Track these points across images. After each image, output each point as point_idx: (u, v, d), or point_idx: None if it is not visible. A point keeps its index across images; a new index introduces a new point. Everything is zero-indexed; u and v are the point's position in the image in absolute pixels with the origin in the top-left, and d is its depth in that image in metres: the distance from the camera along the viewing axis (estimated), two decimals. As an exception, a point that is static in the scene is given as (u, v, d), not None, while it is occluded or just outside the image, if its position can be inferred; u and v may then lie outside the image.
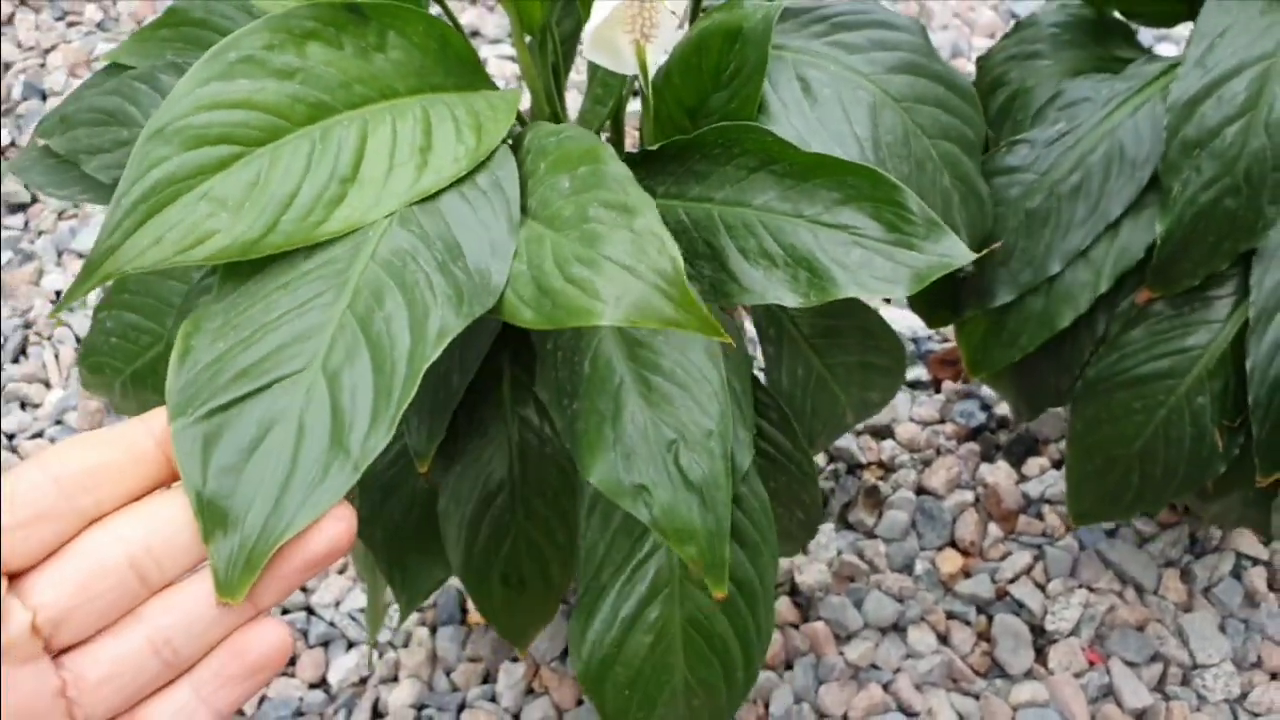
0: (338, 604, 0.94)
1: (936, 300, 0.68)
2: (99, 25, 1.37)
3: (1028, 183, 0.63)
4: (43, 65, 1.34)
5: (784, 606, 0.92)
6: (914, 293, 0.51)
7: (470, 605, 0.93)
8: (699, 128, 0.60)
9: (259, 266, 0.46)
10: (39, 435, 1.04)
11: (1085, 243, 0.62)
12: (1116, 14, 0.71)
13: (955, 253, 0.50)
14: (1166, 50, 1.23)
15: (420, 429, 0.61)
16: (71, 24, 1.37)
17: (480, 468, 0.61)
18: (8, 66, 1.34)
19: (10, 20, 1.38)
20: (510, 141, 0.57)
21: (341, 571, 0.96)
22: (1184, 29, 0.65)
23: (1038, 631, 0.90)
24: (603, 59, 0.54)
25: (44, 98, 1.30)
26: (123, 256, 0.44)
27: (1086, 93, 0.64)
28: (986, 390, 1.03)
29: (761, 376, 0.70)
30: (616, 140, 0.70)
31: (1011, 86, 0.70)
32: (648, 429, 0.52)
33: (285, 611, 0.94)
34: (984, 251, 0.54)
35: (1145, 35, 1.20)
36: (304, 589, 0.95)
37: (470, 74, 0.57)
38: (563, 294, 0.44)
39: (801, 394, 0.68)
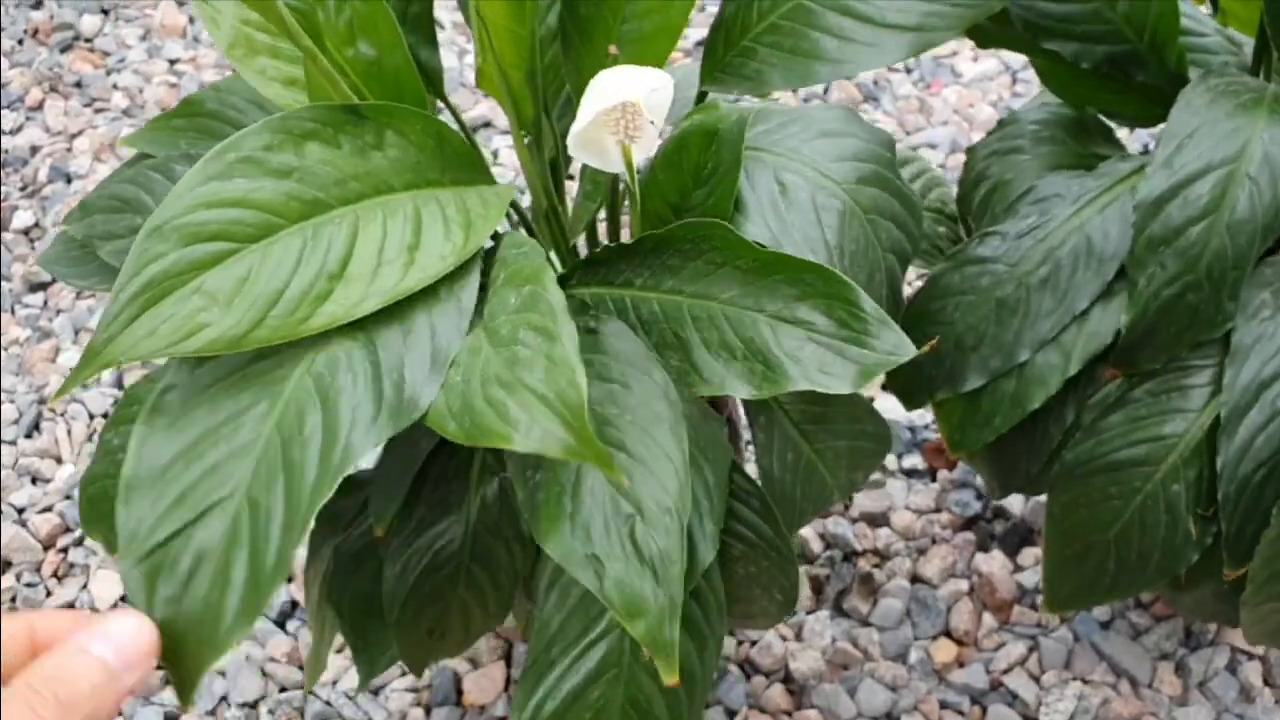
0: (335, 682, 0.95)
1: (911, 385, 0.70)
2: (125, 112, 1.42)
3: (999, 273, 0.65)
4: (69, 150, 1.38)
5: (777, 693, 0.92)
6: (860, 387, 0.53)
7: (466, 687, 0.94)
8: (681, 220, 0.62)
9: (215, 358, 0.49)
10: (48, 509, 1.06)
11: (1053, 332, 0.64)
12: (1096, 113, 0.74)
13: (902, 350, 0.52)
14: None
15: (381, 495, 0.63)
16: (99, 110, 1.42)
17: (434, 536, 0.63)
18: (35, 150, 1.39)
19: (40, 106, 1.43)
20: (494, 242, 0.60)
21: (339, 651, 0.96)
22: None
23: (1031, 723, 0.89)
24: (589, 159, 0.56)
25: (69, 180, 1.35)
26: (120, 347, 0.46)
27: (1058, 189, 0.66)
28: (982, 480, 1.04)
29: (752, 464, 0.72)
30: (612, 233, 0.73)
31: (992, 180, 0.72)
32: (606, 502, 0.53)
33: (283, 689, 0.95)
34: (925, 349, 0.56)
35: (1135, 131, 1.23)
36: (301, 666, 0.96)
37: (467, 169, 0.59)
38: (481, 415, 0.47)
39: (791, 478, 0.69)
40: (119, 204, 0.68)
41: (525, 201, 0.72)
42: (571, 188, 0.75)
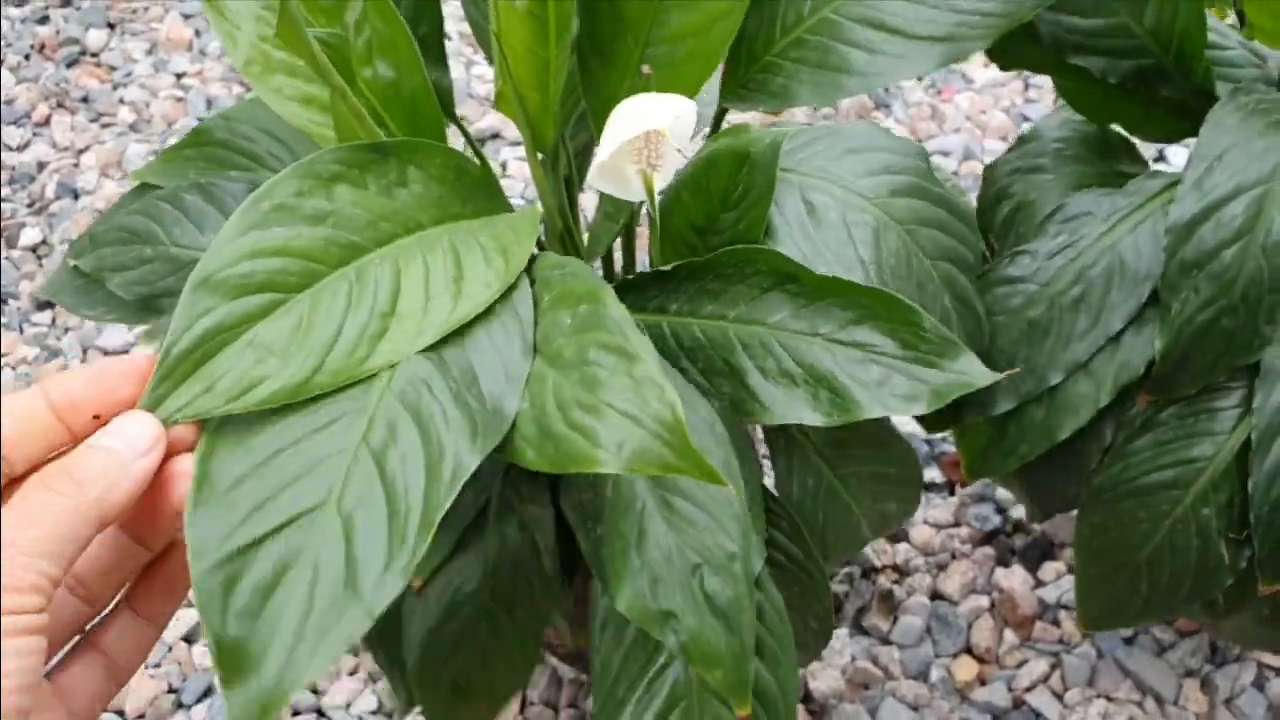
0: (349, 705, 0.94)
1: (938, 409, 0.69)
2: (132, 126, 1.41)
3: (1029, 293, 0.64)
4: (76, 165, 1.38)
5: (798, 715, 0.91)
6: (934, 410, 0.52)
7: (481, 708, 0.93)
8: (708, 245, 0.61)
9: None
10: (58, 532, 1.06)
11: (1087, 355, 0.63)
12: (1118, 129, 0.73)
13: (974, 371, 0.51)
14: (1177, 155, 1.25)
15: (431, 543, 0.62)
16: (105, 125, 1.42)
17: (452, 577, 0.62)
18: (43, 166, 1.38)
19: (47, 122, 1.42)
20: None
21: (352, 673, 0.96)
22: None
23: (1055, 741, 0.88)
24: (610, 188, 0.55)
25: (76, 197, 1.34)
26: (173, 404, 0.44)
27: (1088, 207, 0.65)
28: (1001, 493, 1.02)
29: (772, 488, 0.71)
30: (628, 255, 0.72)
31: (1015, 199, 0.71)
32: (672, 553, 0.52)
33: (296, 713, 0.94)
34: (1005, 375, 0.55)
35: (1152, 145, 1.22)
36: (315, 690, 0.95)
37: (488, 199, 0.58)
38: (566, 439, 0.45)
39: (813, 504, 0.68)
40: (128, 235, 0.67)
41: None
42: (584, 205, 0.74)
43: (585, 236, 0.72)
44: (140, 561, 0.44)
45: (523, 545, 0.61)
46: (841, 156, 0.61)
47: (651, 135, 0.52)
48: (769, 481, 0.70)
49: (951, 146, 1.28)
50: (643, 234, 1.06)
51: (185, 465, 0.42)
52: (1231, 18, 0.72)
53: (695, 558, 0.52)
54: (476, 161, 0.60)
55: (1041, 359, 0.64)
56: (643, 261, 0.76)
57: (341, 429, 0.45)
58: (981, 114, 1.32)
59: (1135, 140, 0.74)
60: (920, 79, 1.36)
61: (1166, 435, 0.67)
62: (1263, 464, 0.63)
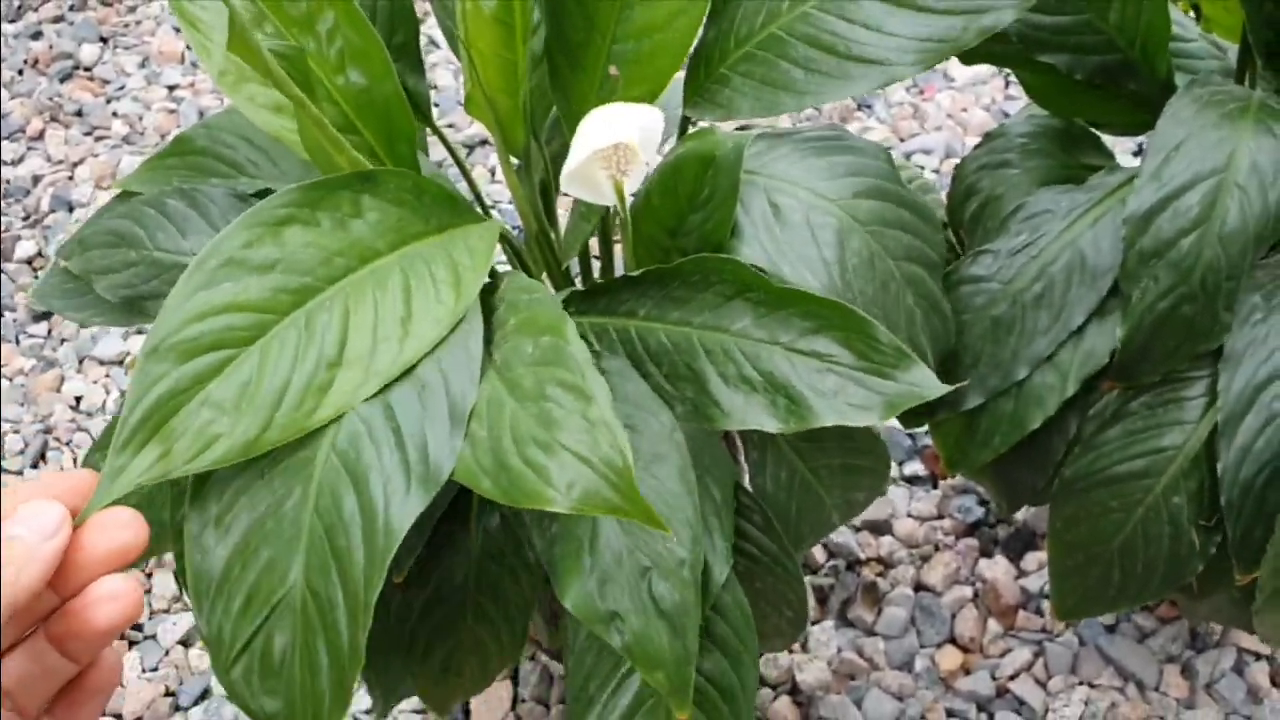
0: (342, 705, 0.95)
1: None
2: (125, 139, 1.43)
3: (993, 291, 0.65)
4: (70, 178, 1.39)
5: (784, 706, 0.92)
6: (886, 419, 0.53)
7: (473, 706, 0.94)
8: (678, 246, 0.63)
9: None
10: (55, 539, 1.07)
11: (1050, 349, 0.64)
12: (1083, 123, 0.74)
13: (925, 383, 0.53)
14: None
15: (401, 545, 0.64)
16: (99, 138, 1.43)
17: (440, 571, 0.63)
18: (37, 180, 1.39)
19: (41, 136, 1.44)
20: (491, 280, 0.60)
21: (347, 672, 0.97)
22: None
23: (1039, 729, 0.90)
24: (581, 193, 0.57)
25: (71, 209, 1.36)
26: (134, 471, 0.47)
27: (1049, 205, 0.66)
28: (990, 498, 1.04)
29: (746, 480, 0.72)
30: (605, 256, 0.73)
31: (983, 194, 0.72)
32: (623, 556, 0.54)
33: (290, 713, 0.95)
34: (953, 388, 0.56)
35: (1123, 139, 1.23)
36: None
37: (450, 213, 0.59)
38: (520, 475, 0.47)
39: (786, 497, 0.70)
40: (115, 239, 0.68)
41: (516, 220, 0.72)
42: (561, 208, 0.76)
43: (562, 237, 0.74)
44: (66, 676, 0.45)
45: (506, 539, 0.62)
46: (806, 160, 0.62)
47: (621, 147, 0.53)
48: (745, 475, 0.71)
49: (933, 145, 1.29)
50: (620, 235, 1.08)
51: (111, 586, 0.43)
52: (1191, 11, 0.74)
53: (646, 561, 0.54)
54: (440, 176, 0.61)
55: (1006, 355, 0.66)
56: (621, 263, 0.78)
57: (296, 502, 0.49)
58: (963, 112, 1.33)
59: (1100, 134, 0.75)
60: (902, 78, 1.38)
61: (1136, 425, 0.68)
62: (1230, 447, 0.64)
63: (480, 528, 0.63)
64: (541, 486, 0.46)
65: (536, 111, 0.69)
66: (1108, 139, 0.76)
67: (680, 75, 0.66)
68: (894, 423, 1.05)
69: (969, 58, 0.72)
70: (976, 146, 0.76)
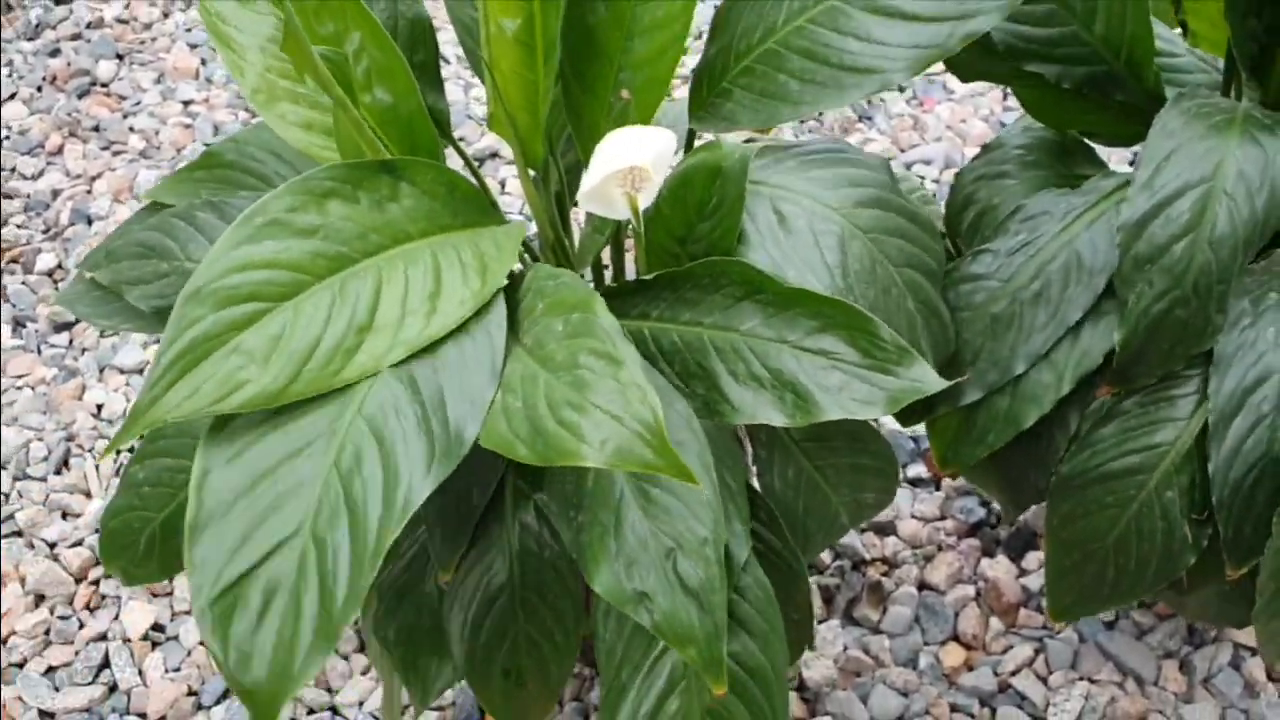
0: (361, 704, 0.97)
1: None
2: (142, 154, 1.46)
3: (992, 289, 0.68)
4: (89, 192, 1.42)
5: (792, 702, 0.94)
6: (890, 414, 0.56)
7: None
8: (688, 253, 0.65)
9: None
10: (79, 544, 1.10)
11: (1047, 346, 0.67)
12: (1077, 135, 0.77)
13: (926, 379, 0.55)
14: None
15: (444, 542, 0.66)
16: (117, 153, 1.46)
17: (483, 571, 0.66)
18: (57, 194, 1.42)
19: (60, 151, 1.47)
20: (513, 276, 0.63)
21: (365, 673, 0.99)
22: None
23: (1040, 724, 0.92)
24: (598, 209, 0.60)
25: (90, 222, 1.39)
26: (164, 407, 0.50)
27: (1046, 207, 0.69)
28: (997, 505, 1.06)
29: (754, 479, 0.75)
30: (617, 264, 0.76)
31: (980, 204, 0.75)
32: (647, 539, 0.57)
33: (311, 712, 0.98)
34: (954, 382, 0.59)
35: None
36: (329, 689, 0.99)
37: (477, 212, 0.63)
38: (555, 435, 0.50)
39: (793, 495, 0.72)
40: (145, 250, 0.71)
41: (531, 229, 0.75)
42: (576, 216, 0.79)
43: (577, 246, 0.76)
44: None
45: (542, 530, 0.65)
46: (810, 171, 0.65)
47: (636, 169, 0.56)
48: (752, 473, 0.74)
49: (933, 155, 1.32)
50: (631, 244, 1.11)
51: None
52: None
53: (669, 542, 0.56)
54: (470, 178, 0.64)
55: (1004, 351, 0.68)
56: (632, 270, 0.80)
57: (317, 452, 0.51)
58: (962, 123, 1.36)
59: (1094, 145, 0.78)
60: (901, 90, 1.41)
61: (1130, 423, 0.71)
62: (1220, 448, 0.66)
63: (517, 523, 0.65)
64: (575, 444, 0.49)
65: (552, 128, 0.72)
66: (1102, 151, 0.79)
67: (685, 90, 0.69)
68: (896, 425, 1.08)
69: (965, 75, 0.75)
70: (974, 158, 0.78)
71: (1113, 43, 0.70)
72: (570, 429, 0.50)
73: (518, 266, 0.69)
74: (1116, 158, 1.22)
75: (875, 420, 0.87)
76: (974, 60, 0.70)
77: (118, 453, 1.17)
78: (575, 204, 0.78)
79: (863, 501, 0.74)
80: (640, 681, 0.61)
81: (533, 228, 0.76)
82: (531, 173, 0.72)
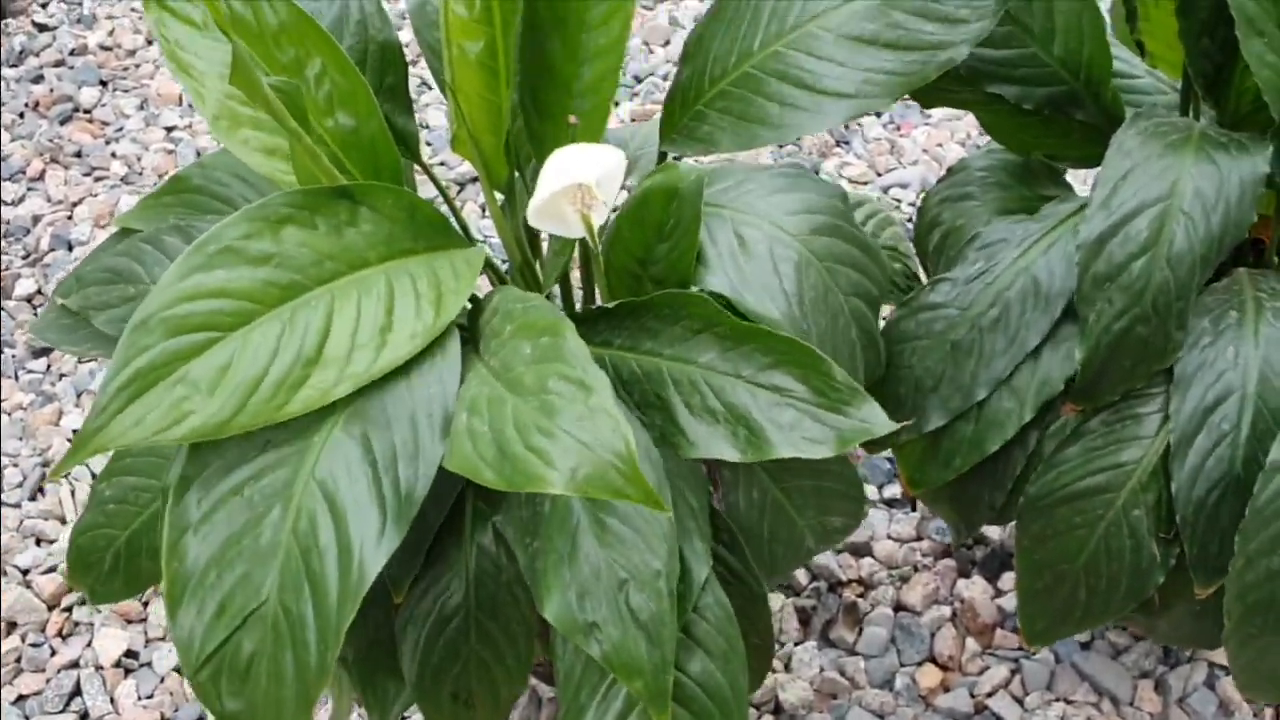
0: (335, 729, 0.97)
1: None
2: (124, 179, 1.46)
3: (951, 317, 0.68)
4: (70, 218, 1.43)
5: (767, 725, 0.94)
6: (838, 453, 0.56)
7: (463, 729, 0.96)
8: (649, 274, 0.66)
9: (220, 449, 0.54)
10: (52, 570, 1.09)
11: (1007, 370, 0.67)
12: (1040, 156, 0.77)
13: (875, 420, 0.56)
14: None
15: (398, 564, 0.66)
16: (98, 179, 1.47)
17: (438, 593, 0.66)
18: (37, 220, 1.43)
19: (41, 177, 1.48)
20: (475, 299, 0.63)
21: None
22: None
23: (1016, 745, 0.92)
24: (551, 227, 0.60)
25: (70, 248, 1.39)
26: (109, 434, 0.51)
27: (1003, 234, 0.69)
28: (947, 525, 1.06)
29: (718, 500, 0.74)
30: (588, 288, 0.76)
31: (945, 226, 0.76)
32: (601, 569, 0.57)
33: (284, 738, 0.97)
34: (899, 426, 0.59)
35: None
36: (302, 715, 0.98)
37: (439, 235, 0.63)
38: (522, 460, 0.50)
39: (758, 516, 0.72)
40: (112, 275, 0.71)
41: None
42: (545, 241, 0.79)
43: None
44: None
45: (499, 552, 0.65)
46: (770, 195, 0.66)
47: (582, 186, 0.57)
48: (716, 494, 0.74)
49: (910, 179, 1.33)
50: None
51: None
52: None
53: (623, 574, 0.56)
54: (433, 203, 0.65)
55: (965, 378, 0.69)
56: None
57: (274, 520, 0.53)
58: (938, 147, 1.37)
59: (1057, 166, 0.78)
60: (878, 115, 1.42)
61: (1095, 442, 0.71)
62: (1183, 468, 0.67)
63: (474, 545, 0.65)
64: (544, 469, 0.49)
65: (519, 151, 0.73)
66: (1070, 174, 0.80)
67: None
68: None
69: (929, 102, 0.76)
70: (939, 181, 0.79)
71: (1071, 63, 0.71)
72: (539, 454, 0.51)
73: (486, 288, 0.70)
74: (1083, 176, 1.23)
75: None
76: (935, 87, 0.71)
77: (94, 478, 1.17)
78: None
79: (829, 525, 0.74)
80: (597, 704, 0.61)
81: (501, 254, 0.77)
82: (499, 196, 0.73)
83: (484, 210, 1.39)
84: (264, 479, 0.54)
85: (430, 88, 1.55)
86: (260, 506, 0.54)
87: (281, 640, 0.53)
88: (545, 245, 0.78)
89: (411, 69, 0.79)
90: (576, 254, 0.73)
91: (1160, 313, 0.65)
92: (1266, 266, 0.74)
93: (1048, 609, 0.73)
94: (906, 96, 1.34)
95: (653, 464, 0.58)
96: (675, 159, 0.72)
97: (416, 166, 0.76)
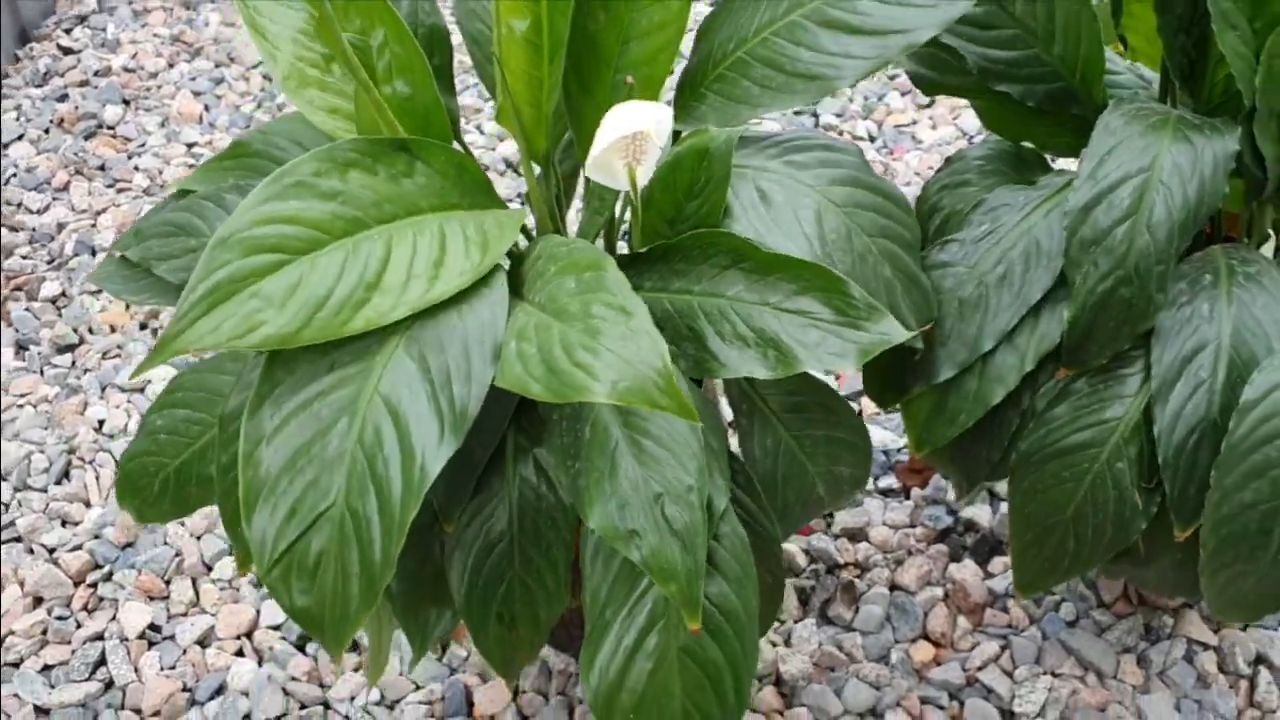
0: (353, 698, 1.00)
1: (887, 382, 0.79)
2: (145, 191, 1.52)
3: (959, 275, 0.74)
4: (93, 225, 1.48)
5: (769, 695, 0.98)
6: (861, 365, 0.62)
7: (477, 699, 1.00)
8: (677, 233, 0.72)
9: (291, 368, 0.60)
10: (78, 548, 1.13)
11: (1012, 323, 0.73)
12: (1033, 146, 0.84)
13: (893, 331, 0.61)
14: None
15: (449, 495, 0.71)
16: (121, 190, 1.52)
17: (483, 520, 0.70)
18: (62, 227, 1.48)
19: (66, 188, 1.53)
20: (516, 252, 0.69)
21: (357, 670, 1.02)
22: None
23: (1007, 715, 0.96)
24: (601, 178, 0.66)
25: (94, 253, 1.44)
26: (188, 339, 0.56)
27: (1006, 199, 0.76)
28: (953, 497, 1.12)
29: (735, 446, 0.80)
30: (610, 245, 0.82)
31: (945, 210, 0.82)
32: (639, 483, 0.62)
33: (303, 706, 1.00)
34: (918, 331, 0.65)
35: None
36: (321, 684, 1.02)
37: (483, 196, 0.69)
38: (569, 374, 0.56)
39: (772, 463, 0.77)
40: (173, 229, 0.76)
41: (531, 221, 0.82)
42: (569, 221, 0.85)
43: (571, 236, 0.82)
44: None
45: (540, 482, 0.70)
46: (789, 155, 0.72)
47: (639, 135, 0.63)
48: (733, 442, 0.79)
49: (902, 198, 1.40)
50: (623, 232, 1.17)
51: None
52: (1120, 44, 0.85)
53: (658, 488, 0.61)
54: (478, 165, 0.71)
55: (973, 331, 0.75)
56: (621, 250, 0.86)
57: (341, 430, 0.58)
58: (930, 169, 1.45)
59: (1047, 155, 0.85)
60: (873, 140, 1.50)
61: (1082, 401, 0.77)
62: (1164, 413, 0.72)
63: (517, 476, 0.70)
64: (588, 381, 0.54)
65: (557, 130, 0.79)
66: (1057, 163, 0.87)
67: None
68: (878, 440, 1.14)
69: (932, 89, 0.83)
70: (938, 170, 0.86)
71: (1069, 62, 0.78)
72: (584, 369, 0.56)
73: (523, 243, 0.75)
74: (1073, 165, 1.31)
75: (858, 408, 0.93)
76: (940, 78, 0.78)
77: (117, 465, 1.20)
78: (573, 200, 0.85)
79: (838, 475, 0.79)
80: (623, 619, 0.66)
81: (533, 219, 0.83)
82: (536, 168, 0.79)
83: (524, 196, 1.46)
84: (331, 395, 0.59)
85: (469, 73, 1.62)
86: (328, 420, 0.58)
87: (348, 539, 0.57)
88: (571, 219, 0.84)
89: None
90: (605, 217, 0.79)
91: (1142, 275, 0.71)
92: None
93: (1038, 559, 0.79)
94: (901, 122, 1.41)
95: (688, 386, 0.64)
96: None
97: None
